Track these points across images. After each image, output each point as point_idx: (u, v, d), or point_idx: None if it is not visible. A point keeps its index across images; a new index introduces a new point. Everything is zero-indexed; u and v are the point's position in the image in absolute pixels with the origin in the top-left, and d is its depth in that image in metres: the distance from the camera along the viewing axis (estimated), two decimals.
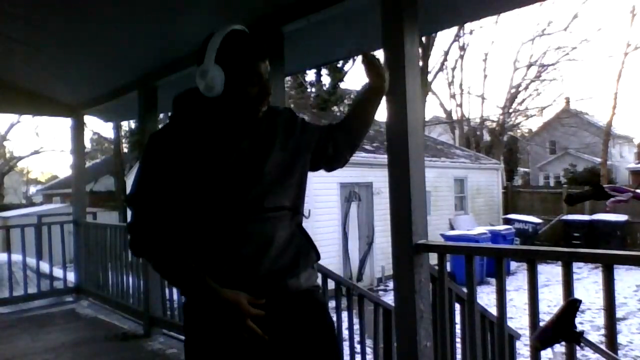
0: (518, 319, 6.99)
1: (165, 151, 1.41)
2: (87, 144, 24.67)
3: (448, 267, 2.52)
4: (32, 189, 36.49)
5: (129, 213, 1.47)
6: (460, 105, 24.26)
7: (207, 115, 1.45)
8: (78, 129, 5.67)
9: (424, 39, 16.49)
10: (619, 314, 6.87)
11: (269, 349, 1.38)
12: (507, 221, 13.88)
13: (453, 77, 23.73)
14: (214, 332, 1.38)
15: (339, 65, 16.92)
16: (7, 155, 30.88)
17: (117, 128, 20.92)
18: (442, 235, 11.17)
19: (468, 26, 20.88)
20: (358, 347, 3.04)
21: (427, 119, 25.33)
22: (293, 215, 1.49)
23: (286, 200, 1.46)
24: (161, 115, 5.88)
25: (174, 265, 1.37)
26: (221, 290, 1.32)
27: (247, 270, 1.38)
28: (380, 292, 10.04)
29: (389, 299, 4.22)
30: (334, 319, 2.02)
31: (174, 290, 4.11)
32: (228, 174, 1.40)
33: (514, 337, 3.36)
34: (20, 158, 31.51)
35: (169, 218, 1.40)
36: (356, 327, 3.04)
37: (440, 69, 22.16)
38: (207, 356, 1.40)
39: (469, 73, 53.60)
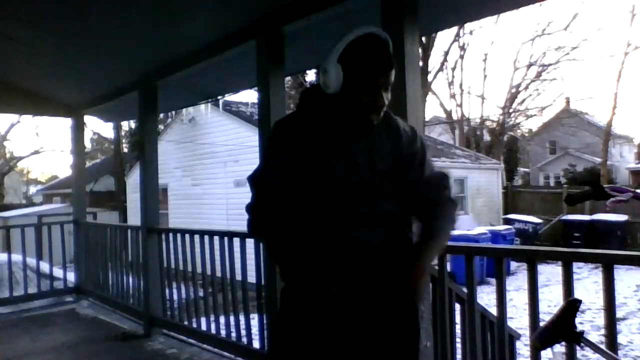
0: (518, 319, 6.98)
1: (289, 139, 1.45)
2: (87, 144, 24.68)
3: (448, 267, 2.52)
4: (32, 189, 36.50)
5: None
6: (460, 105, 24.31)
7: (325, 112, 1.48)
8: (78, 129, 5.67)
9: (424, 39, 16.48)
10: (619, 314, 6.86)
11: (359, 343, 1.42)
12: (507, 221, 13.88)
13: (453, 77, 23.81)
14: (310, 321, 1.40)
15: None
16: (7, 155, 30.90)
17: (117, 128, 20.95)
18: None
19: (468, 26, 20.92)
20: None
21: (427, 119, 25.32)
22: (398, 221, 1.50)
23: (390, 206, 1.48)
24: (161, 116, 5.89)
25: (290, 254, 1.42)
26: (327, 285, 1.36)
27: (346, 271, 1.41)
28: None
29: None
30: None
31: (174, 290, 4.11)
32: (332, 174, 1.43)
33: (514, 337, 3.36)
34: (20, 158, 31.55)
35: (289, 204, 1.44)
36: None
37: (440, 69, 22.22)
38: (300, 343, 1.43)
39: (469, 73, 53.67)
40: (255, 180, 1.48)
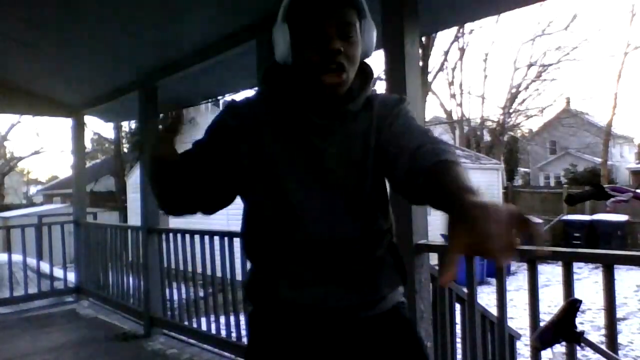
0: (518, 319, 6.98)
1: (225, 118, 1.16)
2: (88, 144, 24.65)
3: None
4: (33, 189, 36.51)
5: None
6: (461, 105, 24.31)
7: (280, 90, 1.14)
8: (78, 129, 5.67)
9: (424, 39, 16.47)
10: (620, 314, 6.86)
11: None
12: None
13: (453, 77, 23.79)
14: (281, 348, 1.16)
15: None
16: (8, 155, 30.89)
17: (118, 128, 20.95)
18: (443, 235, 11.15)
19: (468, 26, 20.90)
20: None
21: (427, 119, 25.29)
22: (374, 237, 1.17)
23: (360, 221, 1.13)
24: (161, 115, 5.89)
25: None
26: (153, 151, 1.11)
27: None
28: None
29: None
30: None
31: (174, 291, 4.11)
32: (277, 173, 1.11)
33: (514, 337, 3.36)
34: (20, 158, 31.53)
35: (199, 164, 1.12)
36: None
37: (440, 69, 22.19)
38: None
39: (469, 73, 53.66)
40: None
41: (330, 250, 1.12)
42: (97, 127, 50.16)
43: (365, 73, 1.17)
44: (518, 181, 27.61)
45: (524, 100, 24.85)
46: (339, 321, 1.14)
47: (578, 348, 1.73)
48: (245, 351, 1.25)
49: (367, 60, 1.18)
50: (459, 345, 2.42)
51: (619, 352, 2.02)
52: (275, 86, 1.16)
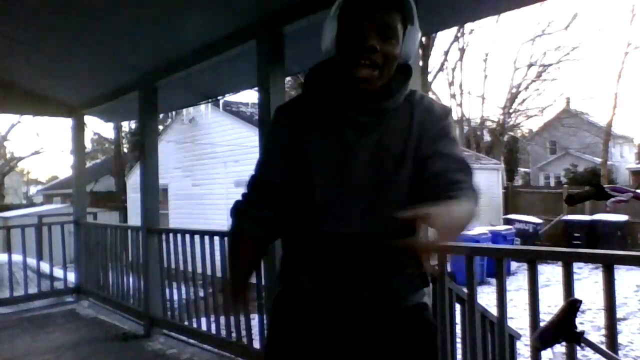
0: (518, 319, 6.97)
1: (287, 122, 1.24)
2: (88, 144, 24.64)
3: (448, 267, 2.52)
4: (33, 189, 36.52)
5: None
6: (461, 106, 24.31)
7: (320, 88, 1.21)
8: (78, 129, 5.67)
9: (424, 39, 16.47)
10: (620, 314, 6.85)
11: None
12: (508, 221, 13.87)
13: (453, 77, 23.77)
14: (301, 334, 1.24)
15: None
16: (8, 155, 30.90)
17: (118, 128, 20.96)
18: None
19: (468, 26, 20.90)
20: None
21: None
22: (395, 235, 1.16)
23: (385, 219, 1.14)
24: (161, 116, 5.89)
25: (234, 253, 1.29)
26: (237, 272, 1.25)
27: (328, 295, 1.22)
28: None
29: None
30: None
31: (174, 291, 4.11)
32: (317, 171, 1.18)
33: (514, 337, 3.36)
34: (20, 158, 31.55)
35: (282, 198, 1.23)
36: None
37: (440, 69, 22.20)
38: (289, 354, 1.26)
39: (469, 73, 53.66)
40: (253, 176, 1.29)
41: (353, 244, 1.18)
42: (97, 127, 50.15)
43: (405, 74, 1.22)
44: (518, 181, 27.62)
45: (524, 100, 24.89)
46: (356, 312, 1.20)
47: (578, 348, 1.73)
48: (268, 332, 1.34)
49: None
50: (459, 345, 2.42)
51: (619, 352, 2.02)
52: (315, 84, 1.23)
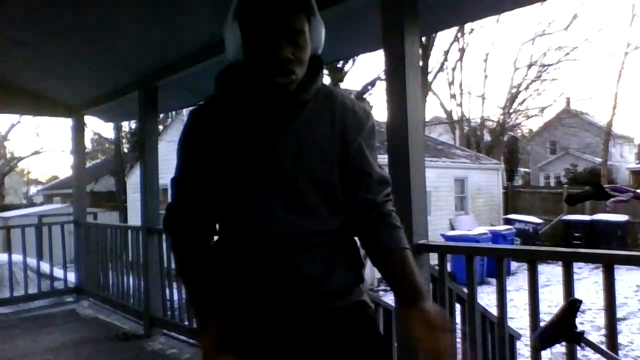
0: (518, 319, 6.98)
1: (203, 127, 1.19)
2: (88, 144, 24.68)
3: (448, 267, 2.52)
4: (33, 189, 36.51)
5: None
6: (461, 106, 24.28)
7: (235, 89, 1.19)
8: (78, 129, 5.68)
9: (424, 39, 16.47)
10: (620, 314, 6.85)
11: None
12: (508, 221, 13.87)
13: (453, 77, 23.74)
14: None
15: (339, 65, 16.91)
16: (8, 155, 30.87)
17: (118, 128, 20.95)
18: (443, 235, 11.16)
19: (468, 26, 20.87)
20: None
21: (427, 119, 25.32)
22: (327, 234, 1.18)
23: (313, 217, 1.17)
24: (161, 116, 5.89)
25: (190, 271, 1.22)
26: (209, 329, 1.16)
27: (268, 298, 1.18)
28: (381, 292, 10.02)
29: (389, 299, 4.23)
30: None
31: (174, 291, 4.11)
32: (242, 170, 1.15)
33: (514, 337, 3.36)
34: (20, 158, 31.51)
35: (209, 204, 1.20)
36: None
37: (440, 69, 22.15)
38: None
39: (469, 73, 53.64)
40: (173, 182, 1.23)
41: (284, 245, 1.15)
42: (97, 127, 50.16)
43: (316, 66, 1.21)
44: (518, 181, 27.60)
45: (524, 100, 24.84)
46: (293, 314, 1.17)
47: (578, 348, 1.73)
48: None
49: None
50: (459, 345, 2.42)
51: (619, 352, 2.02)
52: (228, 86, 1.20)
